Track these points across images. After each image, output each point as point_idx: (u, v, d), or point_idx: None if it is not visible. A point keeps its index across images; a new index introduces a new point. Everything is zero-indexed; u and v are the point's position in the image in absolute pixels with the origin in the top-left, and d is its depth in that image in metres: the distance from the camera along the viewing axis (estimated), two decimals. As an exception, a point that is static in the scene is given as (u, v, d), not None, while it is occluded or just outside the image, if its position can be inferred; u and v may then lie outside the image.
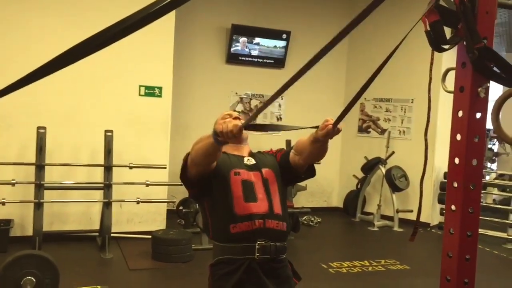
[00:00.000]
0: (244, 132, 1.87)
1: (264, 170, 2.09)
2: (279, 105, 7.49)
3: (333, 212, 7.75)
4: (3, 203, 4.77)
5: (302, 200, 7.43)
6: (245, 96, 7.28)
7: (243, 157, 2.13)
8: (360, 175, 7.31)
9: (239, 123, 1.68)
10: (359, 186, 7.36)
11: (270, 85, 7.47)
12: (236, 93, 7.21)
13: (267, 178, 2.07)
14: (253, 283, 1.94)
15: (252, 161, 2.12)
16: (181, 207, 6.04)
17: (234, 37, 7.00)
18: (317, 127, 1.85)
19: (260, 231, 1.97)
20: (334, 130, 1.77)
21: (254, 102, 7.41)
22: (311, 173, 2.13)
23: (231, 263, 1.96)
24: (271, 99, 1.52)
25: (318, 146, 1.92)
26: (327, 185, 7.95)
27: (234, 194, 1.98)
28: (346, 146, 7.93)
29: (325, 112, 7.91)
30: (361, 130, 7.76)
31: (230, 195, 1.99)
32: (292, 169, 2.10)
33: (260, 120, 7.67)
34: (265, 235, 1.97)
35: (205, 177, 1.98)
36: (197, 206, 5.14)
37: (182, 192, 6.20)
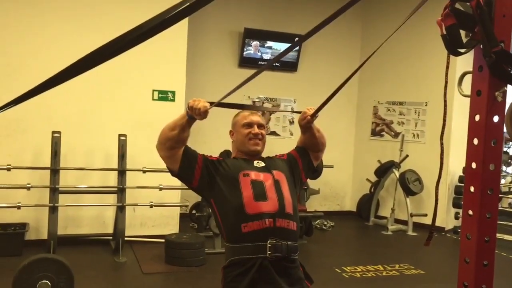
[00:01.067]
0: (260, 143, 2.17)
1: (275, 172, 2.14)
2: (292, 109, 7.44)
3: (346, 216, 7.74)
4: (19, 207, 4.82)
5: (315, 204, 7.43)
6: (257, 100, 7.32)
7: (252, 161, 2.19)
8: (374, 178, 7.27)
9: (208, 105, 1.92)
10: (372, 190, 7.32)
11: (283, 88, 7.51)
12: (249, 96, 7.23)
13: (278, 179, 2.11)
14: (265, 281, 1.96)
15: (261, 164, 2.17)
16: (194, 211, 6.13)
17: (246, 41, 7.01)
18: (298, 112, 2.20)
19: (270, 230, 1.99)
20: (313, 118, 2.13)
21: (267, 105, 7.42)
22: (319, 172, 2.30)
23: (243, 264, 1.97)
24: (244, 82, 1.75)
25: (309, 133, 2.21)
26: (340, 189, 7.93)
27: (244, 194, 2.02)
28: (359, 150, 7.91)
29: (338, 115, 7.97)
30: (374, 133, 7.71)
31: (240, 195, 2.02)
32: (308, 152, 2.28)
33: (272, 123, 7.68)
34: (275, 234, 1.99)
35: (200, 175, 2.05)
36: (209, 210, 5.17)
37: (195, 196, 6.17)
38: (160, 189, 5.23)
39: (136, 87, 5.63)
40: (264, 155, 2.31)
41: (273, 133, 7.38)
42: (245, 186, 2.04)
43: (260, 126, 2.23)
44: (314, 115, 2.12)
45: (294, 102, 7.44)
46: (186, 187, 5.94)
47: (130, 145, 5.26)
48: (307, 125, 2.15)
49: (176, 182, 5.54)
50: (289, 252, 2.01)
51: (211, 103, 1.94)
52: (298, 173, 2.27)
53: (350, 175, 7.97)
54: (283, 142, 7.04)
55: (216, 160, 2.17)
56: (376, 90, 7.73)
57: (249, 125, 2.20)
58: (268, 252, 1.96)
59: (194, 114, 1.93)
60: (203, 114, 1.91)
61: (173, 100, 5.69)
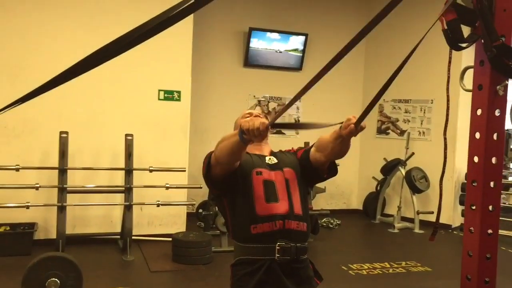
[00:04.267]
0: None
1: (285, 170, 2.08)
2: (297, 108, 7.48)
3: (352, 214, 7.71)
4: (27, 207, 4.83)
5: (321, 202, 7.41)
6: (263, 99, 7.30)
7: (264, 156, 2.12)
8: (380, 176, 7.25)
9: (266, 121, 1.68)
10: (378, 188, 7.30)
11: (288, 87, 7.42)
12: (254, 96, 7.22)
13: (288, 178, 2.06)
14: (273, 284, 1.93)
15: (274, 160, 2.11)
16: (200, 210, 6.22)
17: (251, 40, 6.98)
18: (341, 123, 1.84)
19: (280, 232, 1.95)
20: (357, 129, 1.75)
21: (272, 105, 7.39)
22: (333, 171, 2.11)
23: (252, 263, 1.95)
24: (293, 100, 1.57)
25: (340, 143, 1.90)
26: (347, 187, 7.90)
27: (255, 194, 1.98)
28: (365, 148, 7.84)
29: (343, 113, 7.84)
30: (380, 131, 7.68)
31: (251, 195, 1.98)
32: (312, 166, 2.08)
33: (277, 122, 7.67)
34: (285, 236, 1.95)
35: (229, 176, 1.98)
36: (217, 209, 5.19)
37: (202, 195, 6.28)
38: (167, 188, 5.21)
39: (142, 87, 5.62)
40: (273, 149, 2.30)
41: (279, 132, 7.36)
42: (257, 186, 2.00)
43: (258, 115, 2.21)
44: (358, 124, 1.76)
45: (300, 101, 7.40)
46: (192, 186, 5.87)
47: (137, 144, 5.27)
48: (349, 136, 1.81)
49: (183, 181, 5.59)
50: (298, 254, 1.97)
51: (269, 122, 1.69)
52: (309, 173, 2.12)
53: (356, 173, 7.93)
54: (288, 141, 6.88)
55: None
56: (389, 65, 7.69)
57: (249, 115, 2.18)
58: (277, 255, 1.93)
59: (253, 137, 1.70)
60: (263, 133, 1.68)
61: (179, 100, 5.68)
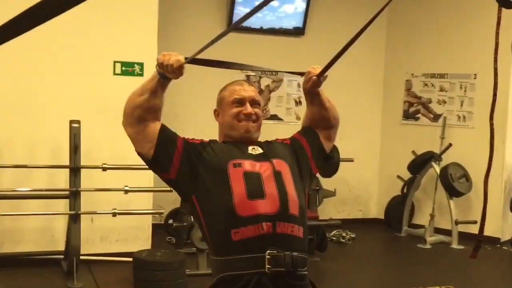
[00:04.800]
0: (254, 126, 2.19)
1: (275, 161, 2.15)
2: (298, 85, 7.24)
3: (371, 225, 7.72)
4: None
5: (330, 209, 7.39)
6: (253, 74, 7.23)
7: (246, 146, 2.20)
8: (407, 175, 7.21)
9: (182, 58, 1.98)
10: (405, 191, 7.28)
11: (286, 58, 7.23)
12: (241, 70, 7.05)
13: (279, 170, 2.13)
14: None
15: (258, 150, 2.19)
16: (170, 221, 5.94)
17: (238, -2, 7.21)
18: (301, 73, 2.27)
19: (269, 237, 1.99)
20: (319, 80, 2.18)
21: (266, 81, 7.36)
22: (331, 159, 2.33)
23: (235, 281, 1.97)
24: (221, 35, 1.85)
25: (316, 100, 2.26)
26: (363, 189, 7.90)
27: (234, 190, 2.04)
28: (387, 138, 7.82)
29: (360, 93, 7.99)
30: (408, 116, 7.65)
31: (229, 191, 2.04)
32: (318, 132, 2.31)
33: (273, 104, 7.64)
34: (276, 242, 1.99)
35: (180, 162, 2.09)
36: (191, 219, 5.16)
37: (172, 201, 6.08)
38: (126, 191, 5.19)
39: (92, 58, 5.55)
40: (261, 139, 2.31)
41: (274, 117, 7.32)
42: (236, 180, 2.05)
43: (254, 103, 2.24)
44: (322, 75, 2.17)
45: (302, 76, 7.40)
46: (160, 189, 5.89)
47: (86, 134, 5.21)
48: (312, 89, 2.22)
49: (147, 182, 5.98)
50: (294, 266, 2.00)
51: (186, 58, 1.99)
52: (306, 162, 2.28)
53: (375, 171, 7.94)
54: (286, 128, 6.56)
55: (199, 144, 2.20)
56: (409, 59, 7.63)
57: (240, 102, 2.22)
58: (267, 266, 1.95)
59: (166, 72, 1.99)
60: (177, 71, 1.98)
61: (141, 75, 5.54)
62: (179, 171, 2.11)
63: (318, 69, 2.17)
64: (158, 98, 2.07)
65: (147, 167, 5.65)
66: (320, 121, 2.30)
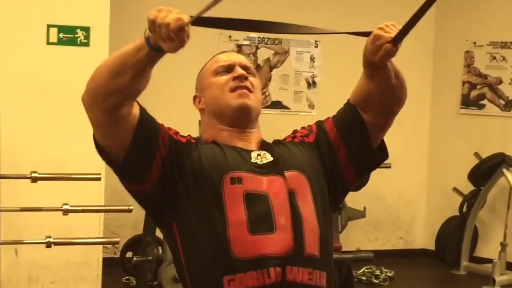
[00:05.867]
0: (250, 97, 2.17)
1: (289, 174, 2.09)
2: (311, 59, 7.46)
3: (416, 259, 7.76)
4: None
5: (358, 236, 7.43)
6: (247, 43, 7.36)
7: (249, 151, 2.14)
8: (467, 188, 7.14)
9: (185, 18, 1.75)
10: (465, 210, 7.19)
11: (294, 20, 7.55)
12: (230, 36, 7.27)
13: (293, 189, 2.06)
14: None
15: (266, 157, 2.15)
16: (129, 254, 6.19)
17: None
18: (366, 33, 2.02)
19: None
20: (397, 47, 1.95)
21: (264, 53, 7.35)
22: (383, 149, 2.26)
23: None
24: None
25: (383, 75, 2.07)
26: (405, 208, 7.89)
27: (230, 218, 2.00)
28: (439, 135, 7.82)
29: (402, 69, 8.04)
30: (468, 102, 7.64)
31: (222, 220, 2.01)
32: (367, 117, 2.19)
33: (275, 86, 7.44)
34: None
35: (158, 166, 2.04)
36: (160, 251, 5.19)
37: (131, 225, 6.25)
38: (65, 212, 5.04)
39: (15, 21, 5.58)
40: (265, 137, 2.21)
41: (277, 104, 7.36)
42: (233, 203, 2.02)
43: (245, 68, 2.22)
44: (399, 41, 1.93)
45: (316, 46, 7.36)
46: (114, 207, 5.97)
47: (6, 129, 5.26)
48: (383, 60, 1.98)
49: (96, 198, 5.71)
50: None
51: (192, 17, 1.78)
52: (336, 170, 2.21)
53: (422, 181, 7.93)
54: (295, 120, 6.82)
55: (185, 143, 2.12)
56: (470, 22, 7.70)
57: (227, 69, 2.20)
58: None
59: (159, 39, 1.76)
60: (176, 37, 1.74)
61: (86, 44, 5.70)
62: (158, 182, 2.03)
63: (392, 31, 1.94)
64: (145, 79, 1.93)
65: (95, 177, 5.68)
66: (377, 104, 2.16)
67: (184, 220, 2.07)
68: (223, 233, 1.99)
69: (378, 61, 1.94)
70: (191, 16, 1.73)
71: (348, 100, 2.20)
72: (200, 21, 1.82)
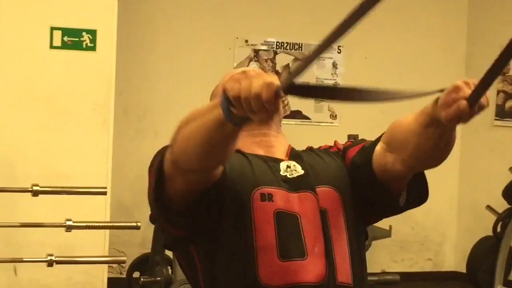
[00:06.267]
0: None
1: (320, 190, 2.04)
2: (334, 65, 7.24)
3: (446, 282, 7.67)
4: None
5: (383, 257, 7.36)
6: (264, 48, 7.18)
7: (278, 160, 2.08)
8: (502, 206, 6.93)
9: (276, 80, 1.47)
10: (499, 229, 6.96)
11: (315, 24, 7.37)
12: (246, 41, 7.12)
13: (326, 209, 2.03)
14: None
15: (297, 170, 2.08)
16: (136, 274, 6.13)
17: None
18: (439, 91, 1.66)
19: None
20: (473, 109, 1.60)
21: (283, 59, 7.15)
22: (418, 195, 2.10)
23: None
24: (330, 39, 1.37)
25: (437, 134, 1.79)
26: (434, 227, 7.75)
27: (258, 241, 1.96)
28: (471, 147, 7.54)
29: (430, 77, 7.92)
30: (503, 113, 7.44)
31: (250, 242, 1.96)
32: (378, 181, 2.01)
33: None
34: None
35: (203, 199, 1.95)
36: (170, 272, 5.01)
37: (139, 243, 6.16)
38: (68, 228, 4.95)
39: (17, 23, 5.53)
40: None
41: (297, 114, 7.13)
42: (263, 224, 1.97)
43: None
44: (478, 99, 1.62)
45: (339, 52, 7.14)
46: (120, 224, 5.63)
47: (6, 140, 5.26)
48: (455, 122, 1.69)
49: (100, 214, 5.55)
50: None
51: (289, 81, 1.46)
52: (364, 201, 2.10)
53: (452, 198, 7.79)
54: (315, 131, 6.98)
55: None
56: (503, 28, 7.29)
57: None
58: None
59: (249, 112, 1.51)
60: (272, 106, 1.49)
61: (93, 49, 5.64)
62: (196, 226, 2.01)
63: (470, 86, 1.63)
64: (231, 146, 1.81)
65: (101, 191, 5.36)
66: (409, 156, 1.95)
67: (205, 243, 2.06)
68: (251, 256, 1.98)
69: (445, 118, 1.67)
70: (278, 72, 1.36)
71: (381, 136, 2.07)
72: (293, 87, 1.47)
